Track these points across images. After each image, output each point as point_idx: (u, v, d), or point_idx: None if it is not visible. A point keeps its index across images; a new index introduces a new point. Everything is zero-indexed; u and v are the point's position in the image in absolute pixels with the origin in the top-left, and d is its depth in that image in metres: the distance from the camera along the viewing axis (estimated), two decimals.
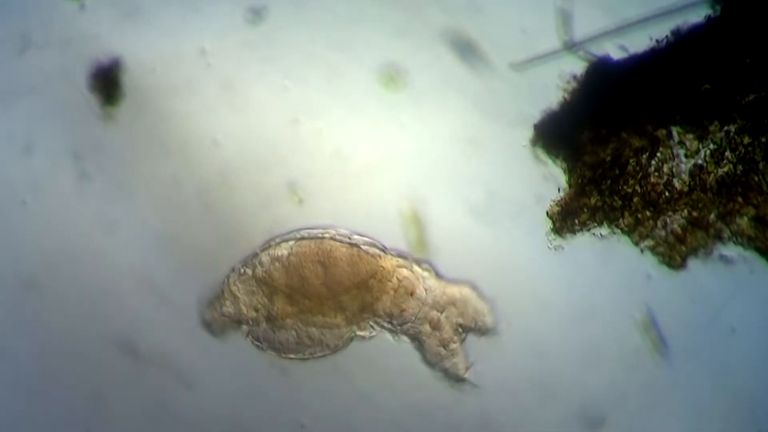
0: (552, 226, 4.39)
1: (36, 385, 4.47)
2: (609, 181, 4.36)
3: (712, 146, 4.28)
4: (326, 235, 4.40)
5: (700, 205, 4.31)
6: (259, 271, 4.40)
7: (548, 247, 4.39)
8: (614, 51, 4.40)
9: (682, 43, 4.34)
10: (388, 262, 4.39)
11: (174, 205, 4.49)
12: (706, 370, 4.40)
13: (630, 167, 4.34)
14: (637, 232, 4.35)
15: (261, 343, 4.40)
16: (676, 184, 4.31)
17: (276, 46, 4.52)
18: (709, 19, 4.33)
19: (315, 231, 4.41)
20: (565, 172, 4.41)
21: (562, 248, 4.40)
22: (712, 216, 4.31)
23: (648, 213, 4.34)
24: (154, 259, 4.48)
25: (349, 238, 4.40)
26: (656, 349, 4.40)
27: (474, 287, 4.41)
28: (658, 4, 4.35)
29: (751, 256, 4.33)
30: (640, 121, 4.32)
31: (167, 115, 4.51)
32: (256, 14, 4.53)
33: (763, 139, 4.25)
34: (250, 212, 4.48)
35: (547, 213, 4.40)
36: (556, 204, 4.41)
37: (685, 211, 4.32)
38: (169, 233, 4.48)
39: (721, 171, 4.28)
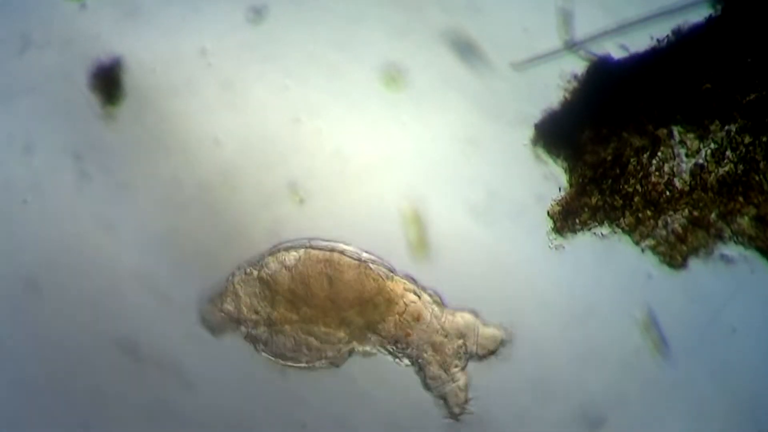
0: (553, 226, 4.39)
1: (36, 385, 4.47)
2: (610, 181, 4.36)
3: (713, 146, 4.28)
4: (336, 249, 4.38)
5: (701, 204, 4.30)
6: (264, 273, 4.39)
7: (549, 247, 4.39)
8: (615, 50, 4.39)
9: (682, 42, 4.33)
10: (397, 285, 4.37)
11: (174, 205, 4.49)
12: (706, 369, 4.40)
13: (631, 166, 4.33)
14: (638, 231, 4.35)
15: (258, 346, 4.39)
16: (677, 183, 4.31)
17: (276, 45, 4.52)
18: (709, 19, 4.32)
19: (325, 243, 4.40)
20: (565, 171, 4.41)
21: (563, 247, 4.39)
22: (713, 215, 4.31)
23: (649, 212, 4.33)
24: (154, 259, 4.47)
25: (359, 255, 4.38)
26: (657, 348, 4.39)
27: (477, 314, 4.39)
28: (658, 4, 4.35)
29: (752, 255, 4.32)
30: (640, 121, 4.32)
31: (168, 115, 4.51)
32: (257, 14, 4.53)
33: (764, 139, 4.24)
34: (251, 212, 4.47)
35: (548, 212, 4.40)
36: (557, 203, 4.40)
37: (686, 210, 4.32)
38: (169, 233, 4.48)
39: (722, 170, 4.27)
